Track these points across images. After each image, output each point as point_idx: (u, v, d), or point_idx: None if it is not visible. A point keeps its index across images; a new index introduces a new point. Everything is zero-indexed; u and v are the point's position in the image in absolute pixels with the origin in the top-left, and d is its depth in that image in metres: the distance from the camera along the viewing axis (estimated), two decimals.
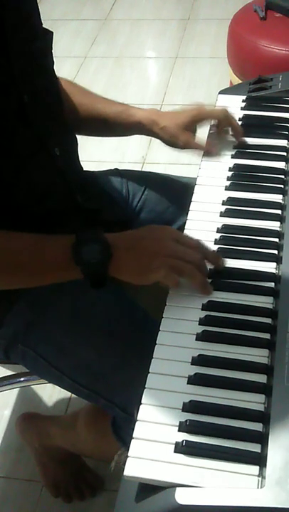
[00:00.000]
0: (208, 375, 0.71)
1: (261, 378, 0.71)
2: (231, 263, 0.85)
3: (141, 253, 0.82)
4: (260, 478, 0.62)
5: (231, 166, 1.02)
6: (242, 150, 1.05)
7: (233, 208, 0.94)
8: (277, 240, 0.88)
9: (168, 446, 0.65)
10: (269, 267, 0.84)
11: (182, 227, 0.92)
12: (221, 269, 0.84)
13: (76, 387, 0.95)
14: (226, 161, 1.03)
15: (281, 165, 1.01)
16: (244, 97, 1.17)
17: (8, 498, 1.40)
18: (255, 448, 0.64)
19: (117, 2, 3.23)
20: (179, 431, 0.66)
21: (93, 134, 1.17)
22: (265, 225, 0.91)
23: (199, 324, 0.78)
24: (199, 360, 0.73)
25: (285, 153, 1.03)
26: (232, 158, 1.04)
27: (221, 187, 0.98)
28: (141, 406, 0.69)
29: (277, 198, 0.95)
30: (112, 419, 0.94)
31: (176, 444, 0.65)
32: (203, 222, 0.92)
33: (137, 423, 0.68)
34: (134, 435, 0.67)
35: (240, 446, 0.64)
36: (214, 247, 0.88)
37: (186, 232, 0.91)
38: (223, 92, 1.21)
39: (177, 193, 1.15)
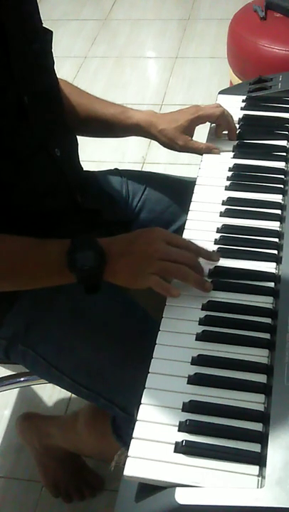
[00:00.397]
0: (208, 375, 0.71)
1: (261, 378, 0.71)
2: (231, 263, 0.85)
3: (133, 258, 0.81)
4: (260, 478, 0.62)
5: (231, 166, 1.02)
6: (242, 150, 1.05)
7: (233, 207, 0.94)
8: (277, 240, 0.88)
9: (168, 446, 0.65)
10: (269, 267, 0.84)
11: (182, 227, 0.92)
12: (221, 269, 0.84)
13: (76, 387, 0.95)
14: (226, 161, 1.03)
15: (281, 165, 1.01)
16: (244, 97, 1.17)
17: (8, 498, 1.40)
18: (255, 448, 0.64)
19: (117, 2, 3.23)
20: (178, 431, 0.66)
21: (91, 135, 1.17)
22: (265, 225, 0.91)
23: (199, 324, 0.78)
24: (199, 360, 0.73)
25: (285, 153, 1.03)
26: (232, 158, 1.04)
27: (221, 187, 0.98)
28: (141, 406, 0.69)
29: (277, 198, 0.95)
30: (112, 419, 0.95)
31: (176, 444, 0.65)
32: (203, 222, 0.92)
33: (137, 423, 0.68)
34: (134, 435, 0.67)
35: (240, 446, 0.64)
36: (214, 247, 0.88)
37: (186, 232, 0.91)
38: (223, 92, 1.21)
39: (177, 193, 1.15)
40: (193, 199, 0.97)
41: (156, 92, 2.59)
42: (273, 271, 0.83)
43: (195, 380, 0.71)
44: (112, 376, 0.91)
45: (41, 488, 1.38)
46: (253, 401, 0.68)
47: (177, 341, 0.76)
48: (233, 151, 1.05)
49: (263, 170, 1.01)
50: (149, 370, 0.73)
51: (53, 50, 0.97)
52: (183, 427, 0.66)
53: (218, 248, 0.88)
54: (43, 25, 0.95)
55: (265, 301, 0.79)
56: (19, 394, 1.60)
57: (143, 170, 2.14)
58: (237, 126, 1.10)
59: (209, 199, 0.96)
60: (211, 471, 0.63)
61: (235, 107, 1.14)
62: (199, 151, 1.06)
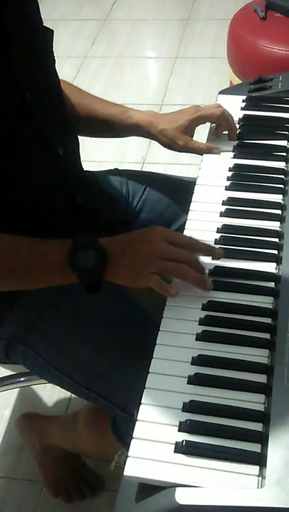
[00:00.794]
0: (208, 375, 0.71)
1: (261, 378, 0.71)
2: (231, 263, 0.85)
3: (133, 258, 0.82)
4: (260, 478, 0.62)
5: (231, 166, 1.02)
6: (242, 150, 1.05)
7: (233, 207, 0.94)
8: (277, 240, 0.88)
9: (168, 446, 0.65)
10: (269, 267, 0.84)
11: (182, 227, 0.92)
12: (221, 269, 0.84)
13: (76, 387, 0.95)
14: (226, 161, 1.03)
15: (281, 165, 1.01)
16: (244, 97, 1.17)
17: (8, 498, 1.40)
18: (255, 448, 0.64)
19: (117, 2, 3.23)
20: (179, 431, 0.66)
21: (91, 135, 1.17)
22: (265, 225, 0.91)
23: (199, 324, 0.78)
24: (199, 360, 0.73)
25: (285, 154, 1.03)
26: (232, 158, 1.04)
27: (221, 187, 0.98)
28: (141, 406, 0.69)
29: (277, 198, 0.95)
30: (112, 419, 0.94)
31: (176, 444, 0.65)
32: (203, 222, 0.92)
33: (137, 423, 0.68)
34: (134, 435, 0.67)
35: (240, 446, 0.64)
36: None
37: (186, 232, 0.91)
38: (223, 92, 1.21)
39: (177, 193, 1.15)
40: (193, 199, 0.97)
41: (156, 92, 2.59)
42: (273, 271, 0.83)
43: (195, 380, 0.71)
44: (112, 376, 0.91)
45: (41, 488, 1.38)
46: (253, 401, 0.68)
47: (177, 341, 0.76)
48: (233, 151, 1.05)
49: (263, 170, 1.01)
50: (149, 370, 0.73)
51: (53, 50, 0.97)
52: (183, 427, 0.66)
53: (218, 248, 0.87)
54: (44, 25, 0.95)
55: (265, 301, 0.79)
56: (19, 394, 1.60)
57: (143, 170, 2.14)
58: (237, 126, 1.10)
59: (209, 199, 0.96)
60: (211, 471, 0.63)
61: (235, 107, 1.14)
62: (199, 151, 1.06)
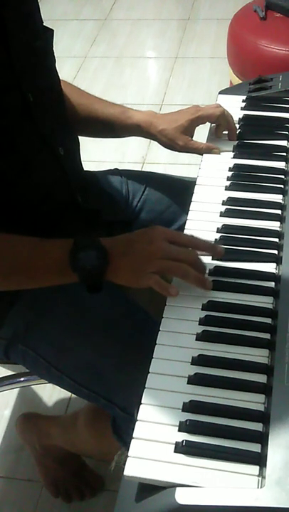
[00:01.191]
0: (208, 375, 0.71)
1: (261, 378, 0.71)
2: (231, 263, 0.85)
3: (134, 258, 0.82)
4: (260, 478, 0.62)
5: (231, 166, 1.02)
6: (242, 150, 1.05)
7: (233, 207, 0.94)
8: (277, 240, 0.88)
9: (168, 446, 0.65)
10: (269, 267, 0.84)
11: (182, 227, 0.92)
12: (221, 269, 0.84)
13: (76, 387, 0.95)
14: (226, 161, 1.03)
15: (281, 165, 1.01)
16: (244, 97, 1.17)
17: (8, 498, 1.40)
18: (255, 448, 0.64)
19: (117, 2, 3.23)
20: (179, 431, 0.66)
21: (91, 135, 1.17)
22: (265, 225, 0.91)
23: (199, 324, 0.78)
24: (199, 360, 0.73)
25: (285, 153, 1.03)
26: (232, 158, 1.04)
27: (221, 187, 0.98)
28: (141, 406, 0.69)
29: (277, 198, 0.95)
30: (112, 419, 0.94)
31: (176, 444, 0.65)
32: (203, 222, 0.92)
33: (137, 423, 0.68)
34: (134, 435, 0.67)
35: (240, 446, 0.64)
36: None
37: (186, 232, 0.91)
38: (223, 92, 1.21)
39: (177, 193, 1.15)
40: (193, 199, 0.97)
41: (156, 92, 2.59)
42: (273, 271, 0.83)
43: (195, 380, 0.71)
44: (112, 376, 0.91)
45: (41, 488, 1.38)
46: (253, 401, 0.68)
47: (177, 341, 0.76)
48: (233, 151, 1.05)
49: (263, 170, 1.01)
50: (149, 370, 0.73)
51: (53, 49, 0.97)
52: (183, 427, 0.66)
53: (220, 246, 0.88)
54: (44, 24, 0.95)
55: (265, 301, 0.79)
56: (19, 394, 1.60)
57: (143, 170, 2.14)
58: (237, 126, 1.10)
59: (209, 199, 0.96)
60: (211, 471, 0.63)
61: (235, 107, 1.14)
62: (199, 151, 1.06)
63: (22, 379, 1.16)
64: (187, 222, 0.93)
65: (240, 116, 1.12)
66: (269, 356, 0.73)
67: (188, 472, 0.63)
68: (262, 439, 0.65)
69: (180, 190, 1.14)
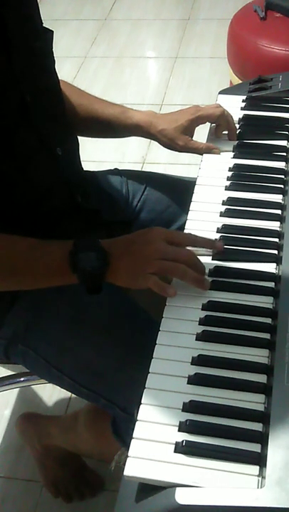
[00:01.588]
0: (208, 375, 0.71)
1: (261, 378, 0.71)
2: (231, 263, 0.85)
3: (133, 259, 0.82)
4: (260, 478, 0.62)
5: (231, 166, 1.02)
6: (242, 150, 1.05)
7: (233, 207, 0.94)
8: (277, 240, 0.88)
9: (168, 446, 0.65)
10: (269, 267, 0.84)
11: (182, 227, 0.92)
12: (221, 269, 0.84)
13: (76, 387, 0.95)
14: (226, 161, 1.03)
15: (281, 165, 1.01)
16: (244, 97, 1.17)
17: (8, 498, 1.40)
18: (255, 448, 0.64)
19: (117, 2, 3.23)
20: (179, 431, 0.66)
21: (91, 135, 1.17)
22: (265, 225, 0.91)
23: (199, 324, 0.78)
24: (199, 360, 0.73)
25: (285, 153, 1.03)
26: (232, 158, 1.04)
27: (221, 187, 0.98)
28: (141, 406, 0.69)
29: (277, 198, 0.95)
30: (112, 419, 0.94)
31: (176, 444, 0.65)
32: (203, 222, 0.92)
33: (137, 423, 0.68)
34: (134, 435, 0.66)
35: (240, 446, 0.64)
36: None
37: (186, 232, 0.91)
38: (223, 92, 1.21)
39: (177, 193, 1.15)
40: (193, 199, 0.97)
41: (156, 92, 2.59)
42: (273, 271, 0.83)
43: (195, 380, 0.71)
44: (112, 376, 0.91)
45: (41, 488, 1.38)
46: (253, 401, 0.68)
47: (177, 341, 0.76)
48: (233, 151, 1.05)
49: (263, 170, 1.01)
50: (149, 370, 0.73)
51: (53, 50, 0.97)
52: (183, 427, 0.66)
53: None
54: (44, 25, 0.95)
55: (265, 301, 0.79)
56: (19, 394, 1.60)
57: (143, 170, 2.14)
58: (237, 126, 1.10)
59: (209, 199, 0.96)
60: (211, 471, 0.63)
61: (235, 107, 1.14)
62: (199, 151, 1.06)
63: (22, 379, 1.16)
64: (187, 222, 0.93)
65: (240, 116, 1.12)
66: (269, 356, 0.73)
67: (188, 472, 0.63)
68: (262, 439, 0.65)
69: (180, 190, 1.14)
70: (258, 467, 0.63)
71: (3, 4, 0.82)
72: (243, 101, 1.16)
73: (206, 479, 0.62)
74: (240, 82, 1.92)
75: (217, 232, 0.91)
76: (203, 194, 0.97)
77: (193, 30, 2.93)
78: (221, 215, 0.93)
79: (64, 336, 0.94)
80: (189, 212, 0.94)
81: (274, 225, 0.91)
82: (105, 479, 1.36)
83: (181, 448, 0.64)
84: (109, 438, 0.95)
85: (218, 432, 0.66)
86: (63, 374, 0.94)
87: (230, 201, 0.95)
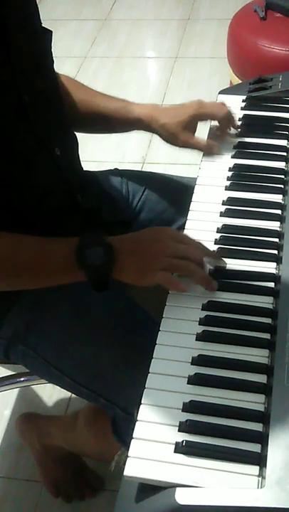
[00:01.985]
0: (208, 375, 0.71)
1: (261, 378, 0.71)
2: (231, 263, 0.85)
3: (142, 256, 0.82)
4: (260, 478, 0.62)
5: (231, 166, 1.02)
6: (242, 150, 1.05)
7: (233, 207, 0.94)
8: (277, 240, 0.88)
9: (168, 446, 0.65)
10: (269, 267, 0.84)
11: (182, 227, 0.92)
12: (221, 269, 0.84)
13: (76, 387, 0.95)
14: (226, 161, 1.03)
15: (281, 165, 1.01)
16: (244, 97, 1.17)
17: (8, 498, 1.40)
18: (255, 448, 0.64)
19: (117, 2, 3.23)
20: (179, 431, 0.66)
21: (92, 131, 1.16)
22: (265, 225, 0.91)
23: (199, 324, 0.78)
24: (199, 360, 0.73)
25: (285, 153, 1.03)
26: (232, 158, 1.04)
27: (221, 187, 0.98)
28: (141, 406, 0.69)
29: (277, 198, 0.95)
30: (112, 419, 0.94)
31: (176, 444, 0.65)
32: (203, 222, 0.92)
33: (137, 423, 0.68)
34: (134, 435, 0.67)
35: (240, 446, 0.64)
36: (214, 247, 0.88)
37: (186, 232, 0.91)
38: (223, 92, 1.21)
39: (177, 193, 1.15)
40: (193, 199, 0.97)
41: (156, 92, 2.59)
42: (273, 271, 0.83)
43: (195, 380, 0.71)
44: (112, 376, 0.91)
45: (41, 488, 1.38)
46: (253, 401, 0.68)
47: (177, 341, 0.76)
48: (233, 151, 1.05)
49: (263, 170, 1.01)
50: (149, 370, 0.73)
51: (52, 50, 0.97)
52: (183, 427, 0.66)
53: (218, 248, 0.88)
54: (43, 25, 0.95)
55: (265, 301, 0.79)
56: (19, 394, 1.60)
57: (143, 170, 2.14)
58: None
59: (209, 199, 0.96)
60: (211, 471, 0.63)
61: (235, 107, 1.14)
62: (200, 147, 1.05)
63: (22, 379, 1.16)
64: (187, 222, 0.93)
65: (240, 116, 1.12)
66: (269, 356, 0.73)
67: (188, 472, 0.63)
68: (262, 439, 0.65)
69: (180, 190, 1.14)
70: (258, 467, 0.63)
71: (3, 4, 0.81)
72: (243, 101, 1.16)
73: (206, 479, 0.62)
74: (240, 82, 1.92)
75: (217, 232, 0.91)
76: (203, 194, 0.97)
77: (193, 30, 2.93)
78: (221, 215, 0.93)
79: (64, 336, 0.94)
80: (189, 212, 0.94)
81: (274, 225, 0.91)
82: (105, 479, 1.36)
83: (181, 448, 0.64)
84: (109, 438, 0.95)
85: (218, 432, 0.66)
86: (63, 374, 0.94)
87: (230, 201, 0.95)
